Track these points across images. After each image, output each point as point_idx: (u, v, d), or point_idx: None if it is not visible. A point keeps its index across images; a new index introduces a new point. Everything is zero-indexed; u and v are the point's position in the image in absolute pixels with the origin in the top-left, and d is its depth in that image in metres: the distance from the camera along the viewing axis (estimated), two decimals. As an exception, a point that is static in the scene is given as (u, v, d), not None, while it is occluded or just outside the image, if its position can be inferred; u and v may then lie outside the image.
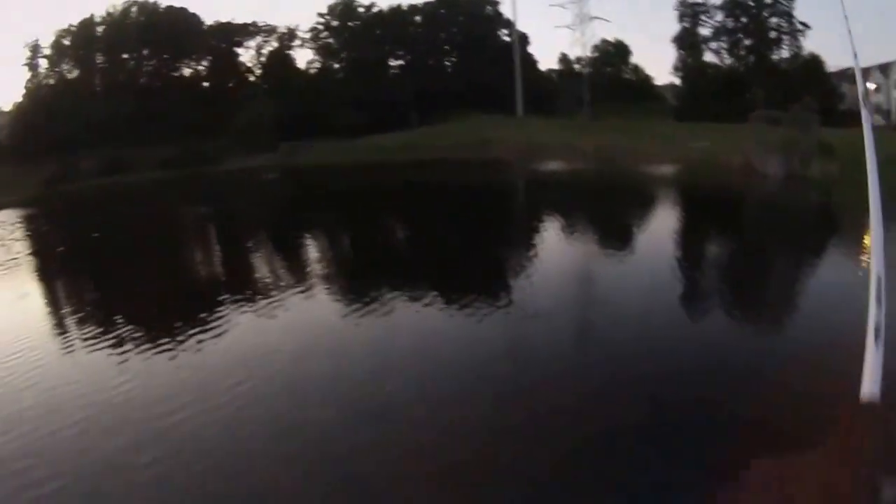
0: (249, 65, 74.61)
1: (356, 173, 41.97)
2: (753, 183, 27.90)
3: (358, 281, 14.27)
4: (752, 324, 9.74)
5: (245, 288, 13.74)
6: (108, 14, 70.25)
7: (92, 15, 70.13)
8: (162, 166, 53.35)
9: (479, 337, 9.60)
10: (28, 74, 70.21)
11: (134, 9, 70.39)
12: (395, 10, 73.56)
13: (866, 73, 63.62)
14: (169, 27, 68.13)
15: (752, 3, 59.57)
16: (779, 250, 15.53)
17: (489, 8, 74.55)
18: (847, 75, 63.85)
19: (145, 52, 70.13)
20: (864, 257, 11.65)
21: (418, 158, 43.83)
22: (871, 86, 57.22)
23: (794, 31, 59.45)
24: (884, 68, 57.21)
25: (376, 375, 8.21)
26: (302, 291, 12.79)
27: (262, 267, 16.81)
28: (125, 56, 70.05)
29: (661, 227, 18.93)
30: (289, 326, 10.70)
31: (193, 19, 71.63)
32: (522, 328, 9.88)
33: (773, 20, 59.68)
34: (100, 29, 70.12)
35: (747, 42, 60.65)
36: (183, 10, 71.05)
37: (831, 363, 5.52)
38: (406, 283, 12.69)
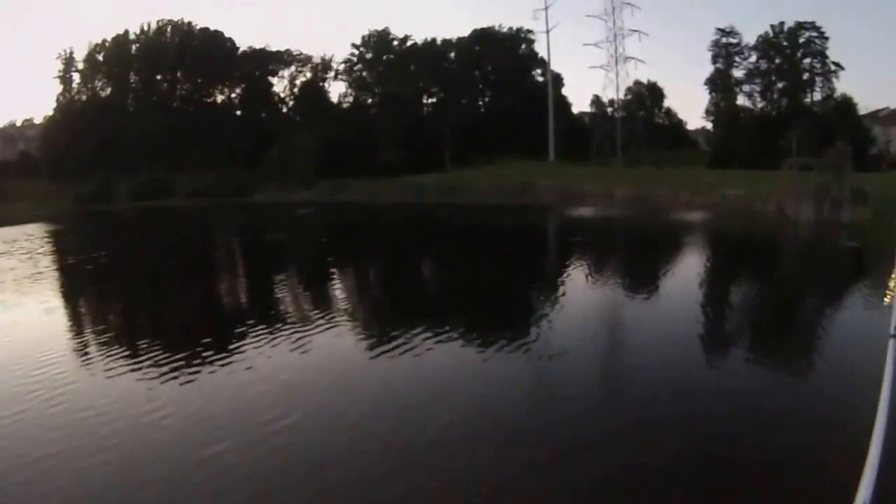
0: (283, 95, 74.25)
1: (395, 213, 42.25)
2: (785, 229, 27.88)
3: (394, 319, 13.94)
4: (782, 369, 9.43)
5: (279, 319, 13.45)
6: (143, 32, 70.26)
7: (126, 31, 70.23)
8: (198, 194, 53.59)
9: (508, 374, 9.41)
10: (60, 87, 70.40)
11: (168, 29, 70.27)
12: (430, 45, 72.97)
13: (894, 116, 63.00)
14: (203, 50, 68.16)
15: (786, 44, 59.37)
16: (807, 296, 15.43)
17: (523, 47, 74.16)
18: (879, 117, 63.24)
19: (179, 74, 70.03)
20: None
21: (457, 201, 44.88)
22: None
23: (828, 72, 59.16)
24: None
25: (409, 410, 8.03)
26: (334, 327, 12.48)
27: (301, 301, 16.43)
28: (159, 77, 70.01)
29: (691, 272, 18.65)
30: (320, 361, 10.35)
31: (228, 44, 71.39)
32: (552, 367, 9.67)
33: (807, 61, 59.48)
34: (134, 47, 70.13)
35: (780, 84, 60.36)
36: (218, 34, 71.04)
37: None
38: (441, 322, 12.38)
